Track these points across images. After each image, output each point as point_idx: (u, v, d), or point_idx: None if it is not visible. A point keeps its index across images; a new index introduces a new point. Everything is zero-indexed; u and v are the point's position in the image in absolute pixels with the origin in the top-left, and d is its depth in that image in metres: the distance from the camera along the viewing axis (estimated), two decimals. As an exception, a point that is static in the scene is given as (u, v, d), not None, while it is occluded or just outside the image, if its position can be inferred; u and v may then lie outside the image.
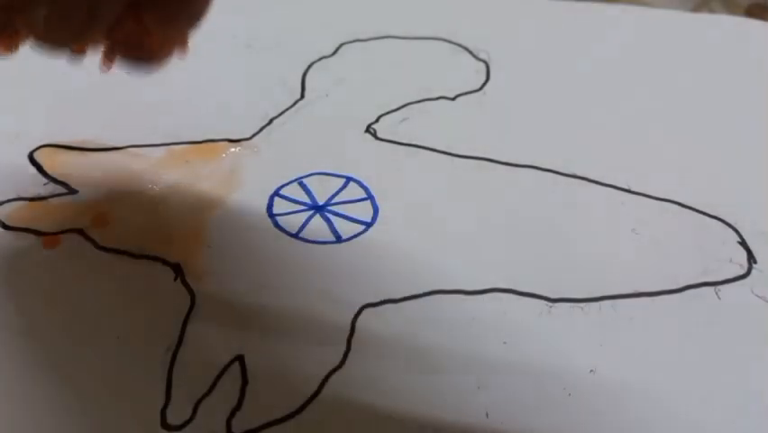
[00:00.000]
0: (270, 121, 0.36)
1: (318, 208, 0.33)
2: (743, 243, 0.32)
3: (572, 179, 0.34)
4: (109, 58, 0.27)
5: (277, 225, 0.32)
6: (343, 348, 0.28)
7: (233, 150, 0.35)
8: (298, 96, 0.38)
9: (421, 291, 0.30)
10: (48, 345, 0.28)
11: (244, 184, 0.33)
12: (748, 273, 0.31)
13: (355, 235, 0.32)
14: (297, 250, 0.31)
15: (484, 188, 0.34)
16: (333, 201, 0.33)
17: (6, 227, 0.31)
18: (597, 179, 0.34)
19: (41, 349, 0.28)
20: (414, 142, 0.36)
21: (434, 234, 0.32)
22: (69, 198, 0.32)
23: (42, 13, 0.23)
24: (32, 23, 0.23)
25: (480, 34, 0.41)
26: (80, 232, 0.31)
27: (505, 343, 0.28)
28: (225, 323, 0.29)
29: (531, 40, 0.42)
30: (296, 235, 0.32)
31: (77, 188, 0.33)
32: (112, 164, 0.34)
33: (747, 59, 0.41)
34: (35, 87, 0.37)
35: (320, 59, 0.40)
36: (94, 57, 0.27)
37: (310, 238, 0.32)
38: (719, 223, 0.33)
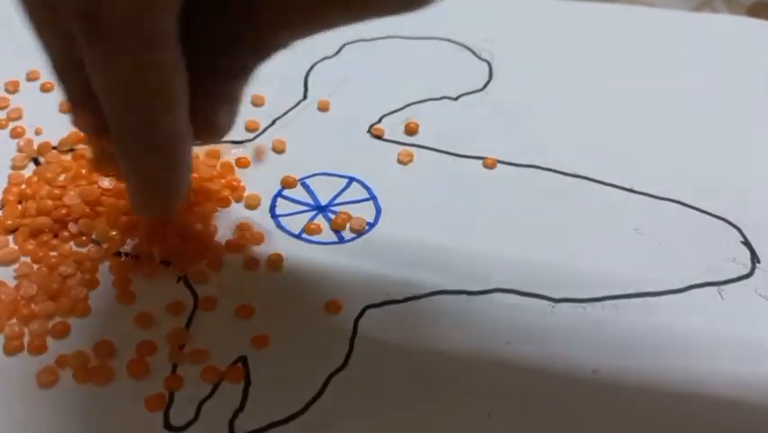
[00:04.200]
0: (273, 122, 0.37)
1: (321, 209, 0.33)
2: (746, 242, 0.32)
3: (575, 179, 0.34)
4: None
5: (279, 225, 0.32)
6: (346, 349, 0.28)
7: (235, 151, 0.35)
8: (301, 96, 0.38)
9: (423, 292, 0.30)
10: (49, 345, 0.28)
11: (247, 185, 0.33)
12: (752, 273, 0.31)
13: (358, 236, 0.32)
14: (299, 250, 0.31)
15: (487, 188, 0.34)
16: (335, 201, 0.33)
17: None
18: (599, 178, 0.34)
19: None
20: (417, 143, 0.36)
21: (437, 235, 0.32)
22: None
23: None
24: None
25: (482, 34, 0.41)
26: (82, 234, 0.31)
27: (507, 343, 0.28)
28: (228, 324, 0.29)
29: (533, 40, 0.41)
30: (298, 236, 0.32)
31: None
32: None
33: (749, 58, 0.41)
34: (38, 86, 0.37)
35: (323, 59, 0.40)
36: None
37: (313, 239, 0.32)
38: (722, 222, 0.33)
